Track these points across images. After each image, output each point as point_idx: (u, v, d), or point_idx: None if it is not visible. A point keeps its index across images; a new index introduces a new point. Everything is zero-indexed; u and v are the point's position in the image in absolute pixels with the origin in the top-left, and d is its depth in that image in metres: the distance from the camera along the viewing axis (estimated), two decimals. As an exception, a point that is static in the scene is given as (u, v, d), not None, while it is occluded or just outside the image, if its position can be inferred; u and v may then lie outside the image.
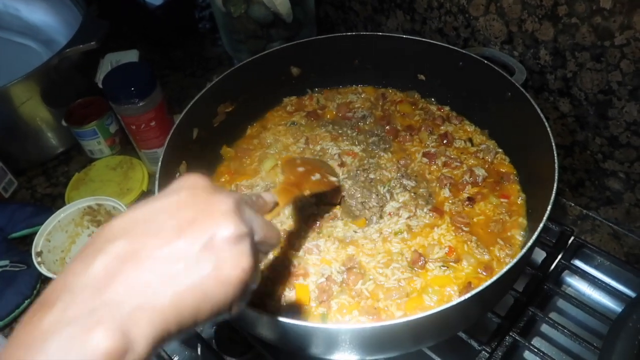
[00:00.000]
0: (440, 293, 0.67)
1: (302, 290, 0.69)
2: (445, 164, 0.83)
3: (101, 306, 0.31)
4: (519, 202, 0.78)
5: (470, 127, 0.91)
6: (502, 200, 0.78)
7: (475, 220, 0.76)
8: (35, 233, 0.87)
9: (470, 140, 0.88)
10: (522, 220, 0.75)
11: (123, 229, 0.36)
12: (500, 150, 0.85)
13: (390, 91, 0.99)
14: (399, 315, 0.65)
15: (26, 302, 0.84)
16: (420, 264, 0.69)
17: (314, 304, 0.68)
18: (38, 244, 0.82)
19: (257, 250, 0.41)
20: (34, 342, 0.30)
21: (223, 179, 0.87)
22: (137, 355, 0.32)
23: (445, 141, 0.88)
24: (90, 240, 0.36)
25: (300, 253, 0.73)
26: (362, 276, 0.69)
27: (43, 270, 0.79)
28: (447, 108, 0.94)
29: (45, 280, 0.87)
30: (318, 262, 0.72)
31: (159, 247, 0.35)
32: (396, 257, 0.71)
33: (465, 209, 0.77)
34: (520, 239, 0.73)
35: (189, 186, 0.40)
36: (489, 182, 0.80)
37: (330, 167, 0.80)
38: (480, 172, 0.80)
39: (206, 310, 0.35)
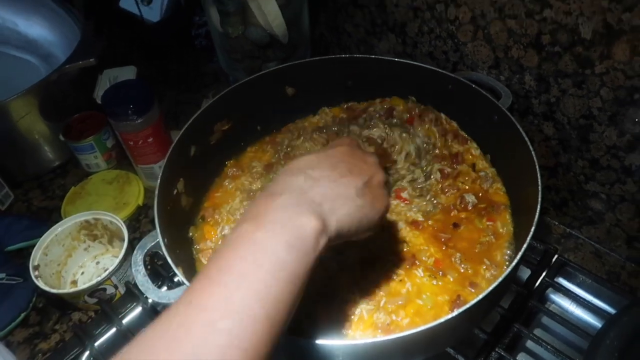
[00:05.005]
0: (433, 300, 0.71)
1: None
2: (442, 190, 0.84)
3: (308, 201, 0.47)
4: (505, 227, 0.79)
5: (476, 151, 0.90)
6: (488, 223, 0.79)
7: (458, 244, 0.77)
8: (31, 246, 0.88)
9: (474, 165, 0.88)
10: (508, 243, 0.77)
11: (308, 163, 0.52)
12: (498, 179, 0.85)
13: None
14: (406, 322, 0.68)
15: (22, 315, 0.85)
16: (410, 262, 0.74)
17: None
18: (35, 257, 0.83)
19: None
20: (267, 211, 0.46)
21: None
22: (329, 236, 0.47)
23: (455, 164, 0.87)
24: (287, 168, 0.52)
25: None
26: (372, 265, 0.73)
27: (40, 283, 0.80)
28: (454, 123, 0.94)
29: (42, 294, 0.89)
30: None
31: (339, 176, 0.51)
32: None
33: (448, 230, 0.79)
34: (507, 258, 0.76)
35: (347, 144, 0.57)
36: (479, 207, 0.81)
37: None
38: (471, 198, 0.81)
39: (362, 226, 0.51)
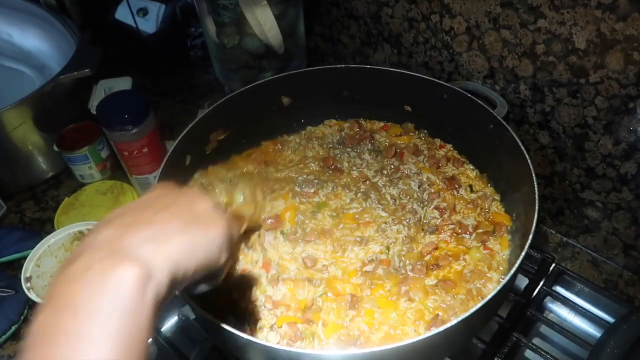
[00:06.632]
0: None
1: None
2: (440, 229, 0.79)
3: (120, 250, 0.39)
4: (503, 256, 0.76)
5: (472, 173, 0.88)
6: (484, 252, 0.76)
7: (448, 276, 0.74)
8: (23, 258, 0.87)
9: (471, 187, 0.86)
10: (500, 276, 0.73)
11: (117, 214, 0.44)
12: (497, 197, 0.83)
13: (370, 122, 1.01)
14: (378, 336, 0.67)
15: (13, 327, 0.83)
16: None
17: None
18: (28, 269, 0.82)
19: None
20: (69, 281, 0.37)
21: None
22: (159, 283, 0.39)
23: (456, 186, 0.84)
24: (94, 227, 0.44)
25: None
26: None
27: (32, 295, 0.79)
28: (449, 146, 0.93)
29: (33, 306, 0.87)
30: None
31: (154, 214, 0.44)
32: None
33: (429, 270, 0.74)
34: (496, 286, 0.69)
35: (161, 186, 0.50)
36: (479, 233, 0.77)
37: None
38: (470, 221, 0.78)
39: (201, 255, 0.44)
